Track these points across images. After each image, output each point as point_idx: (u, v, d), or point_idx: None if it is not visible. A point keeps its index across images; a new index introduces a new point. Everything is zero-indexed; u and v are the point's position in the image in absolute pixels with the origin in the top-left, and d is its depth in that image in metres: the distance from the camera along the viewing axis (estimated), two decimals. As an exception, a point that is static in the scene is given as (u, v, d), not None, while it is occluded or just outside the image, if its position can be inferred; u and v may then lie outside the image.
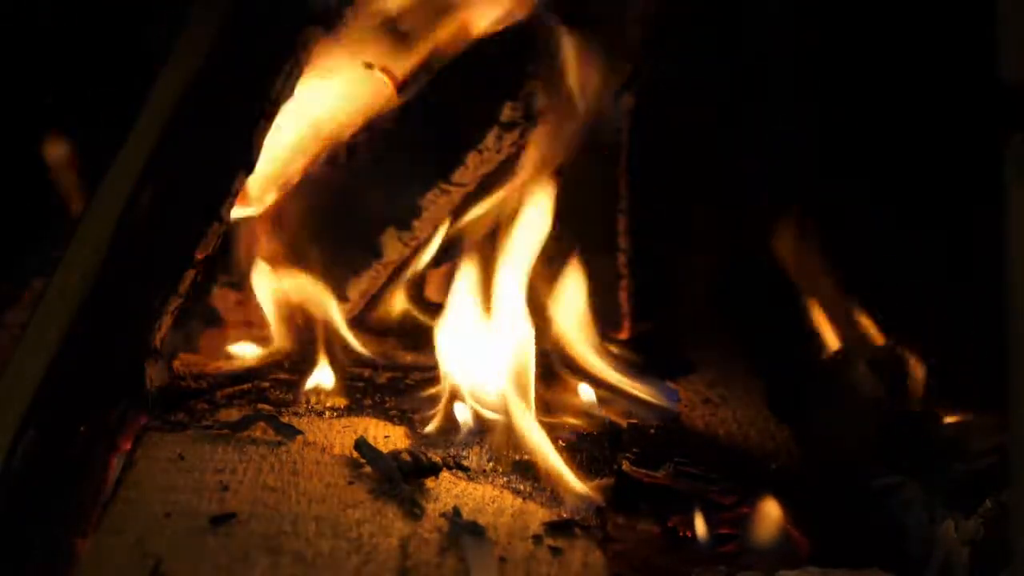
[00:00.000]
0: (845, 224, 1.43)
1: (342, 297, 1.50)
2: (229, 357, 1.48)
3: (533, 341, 1.31)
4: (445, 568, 1.06)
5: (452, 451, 1.28)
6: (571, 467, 1.23)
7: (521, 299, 1.36)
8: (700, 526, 1.18)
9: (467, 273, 1.40)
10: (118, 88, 1.37)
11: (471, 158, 1.44)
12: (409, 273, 1.53)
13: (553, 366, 1.41)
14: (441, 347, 1.37)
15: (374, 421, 1.35)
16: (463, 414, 1.33)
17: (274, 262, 1.51)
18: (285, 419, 1.30)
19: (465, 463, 1.26)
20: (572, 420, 1.36)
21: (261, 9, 1.33)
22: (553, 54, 1.42)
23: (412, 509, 1.15)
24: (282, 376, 1.44)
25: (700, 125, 1.47)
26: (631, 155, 1.49)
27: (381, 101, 1.49)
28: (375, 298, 1.54)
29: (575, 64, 1.43)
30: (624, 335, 1.50)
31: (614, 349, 1.45)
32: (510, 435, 1.28)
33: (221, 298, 1.52)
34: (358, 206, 1.50)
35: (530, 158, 1.46)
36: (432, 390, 1.40)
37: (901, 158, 1.37)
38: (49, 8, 1.46)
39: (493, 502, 1.18)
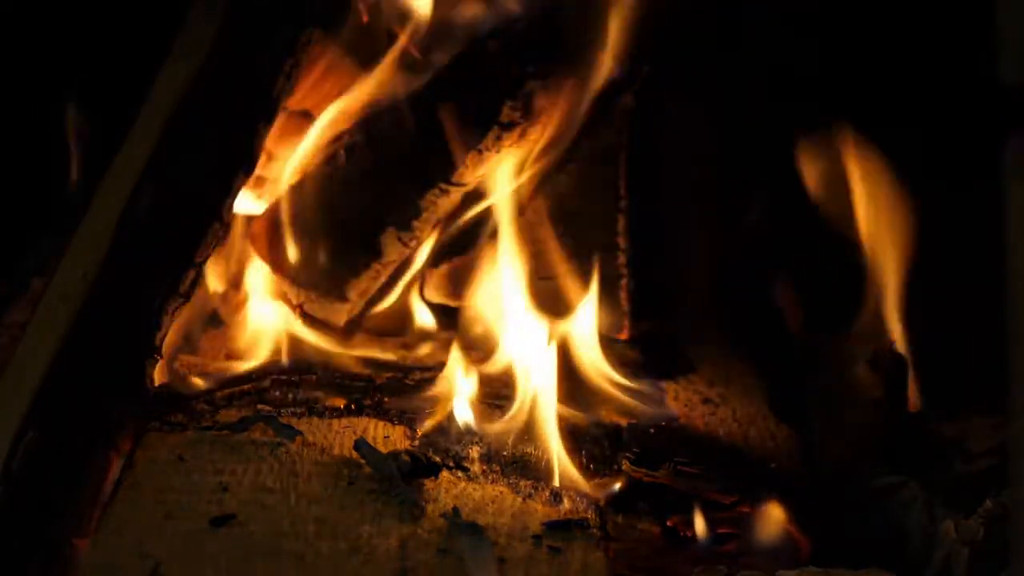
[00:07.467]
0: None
1: (341, 297, 1.50)
2: (229, 357, 1.47)
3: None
4: (444, 569, 1.06)
5: (452, 451, 1.28)
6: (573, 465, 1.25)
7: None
8: (700, 526, 1.18)
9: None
10: (118, 87, 1.37)
11: (471, 158, 1.44)
12: (409, 273, 1.53)
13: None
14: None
15: (374, 421, 1.35)
16: (463, 413, 1.33)
17: (273, 265, 1.51)
18: (285, 420, 1.30)
19: (465, 463, 1.26)
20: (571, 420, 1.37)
21: (261, 9, 1.34)
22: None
23: (411, 509, 1.15)
24: (282, 376, 1.44)
25: (700, 125, 1.46)
26: (631, 155, 1.49)
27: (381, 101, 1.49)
28: (375, 298, 1.54)
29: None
30: (624, 335, 1.50)
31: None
32: (522, 429, 1.29)
33: (221, 298, 1.52)
34: (358, 206, 1.50)
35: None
36: (433, 391, 1.40)
37: (899, 160, 1.37)
38: (49, 8, 1.46)
39: (493, 502, 1.18)
